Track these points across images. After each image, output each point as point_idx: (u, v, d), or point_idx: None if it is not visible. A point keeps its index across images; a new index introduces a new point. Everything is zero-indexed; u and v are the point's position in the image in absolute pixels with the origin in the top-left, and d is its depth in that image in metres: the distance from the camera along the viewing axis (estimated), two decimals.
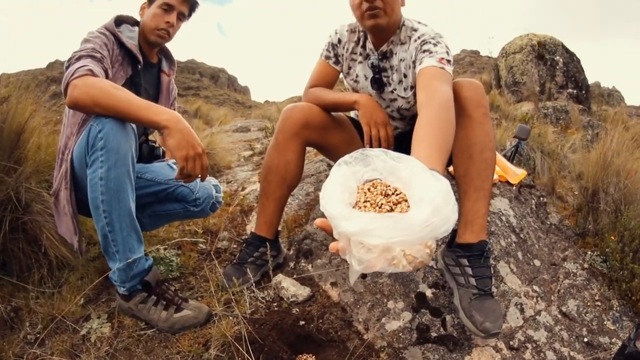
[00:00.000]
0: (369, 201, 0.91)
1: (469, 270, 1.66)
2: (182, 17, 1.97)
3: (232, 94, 37.14)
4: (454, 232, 1.77)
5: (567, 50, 9.51)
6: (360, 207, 0.90)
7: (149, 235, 2.29)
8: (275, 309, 1.79)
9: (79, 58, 1.58)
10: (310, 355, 1.57)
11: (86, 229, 2.06)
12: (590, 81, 10.85)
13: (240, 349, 1.49)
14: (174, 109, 2.18)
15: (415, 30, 1.88)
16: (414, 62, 1.80)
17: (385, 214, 0.85)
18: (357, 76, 2.07)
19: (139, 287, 1.66)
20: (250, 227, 2.49)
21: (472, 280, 1.63)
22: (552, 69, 9.15)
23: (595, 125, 7.91)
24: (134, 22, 1.97)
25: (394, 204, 0.89)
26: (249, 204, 2.81)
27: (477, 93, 1.69)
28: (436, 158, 1.15)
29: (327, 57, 2.10)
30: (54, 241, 1.85)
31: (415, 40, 1.82)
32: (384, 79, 1.99)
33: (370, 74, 2.02)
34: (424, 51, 1.73)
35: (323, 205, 0.88)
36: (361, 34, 2.03)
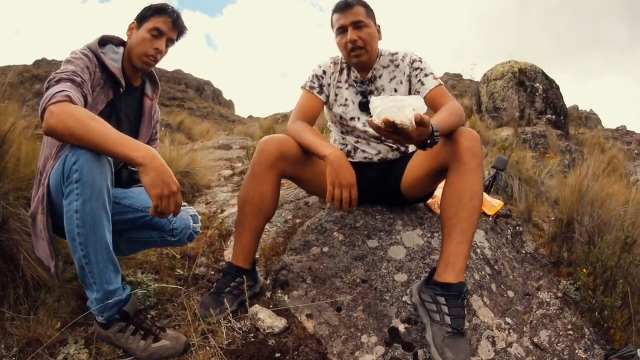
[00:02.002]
0: None
1: (446, 309, 1.70)
2: (170, 43, 1.96)
3: (216, 107, 37.14)
4: (433, 270, 1.85)
5: (547, 78, 9.78)
6: None
7: (126, 258, 2.27)
8: (252, 340, 1.78)
9: (59, 81, 1.57)
10: None
11: (63, 247, 2.03)
12: (569, 104, 11.13)
13: None
14: (157, 132, 2.18)
15: (395, 53, 2.29)
16: (409, 77, 2.23)
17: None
18: (346, 100, 2.30)
19: (117, 316, 1.64)
20: (229, 253, 2.49)
21: (448, 319, 1.68)
22: (532, 95, 9.39)
23: (573, 150, 8.08)
24: (120, 43, 1.95)
25: None
26: (228, 228, 2.80)
27: (475, 144, 1.82)
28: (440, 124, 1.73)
29: (312, 88, 2.28)
30: (31, 261, 1.82)
31: (403, 60, 2.26)
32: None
33: (357, 99, 2.29)
34: (416, 69, 2.21)
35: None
36: (344, 65, 2.32)
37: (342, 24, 2.13)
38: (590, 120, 19.92)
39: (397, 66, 2.27)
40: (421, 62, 2.22)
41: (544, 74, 9.75)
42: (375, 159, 2.33)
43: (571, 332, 2.06)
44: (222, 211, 3.27)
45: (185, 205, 1.96)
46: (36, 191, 1.70)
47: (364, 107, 2.27)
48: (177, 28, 1.95)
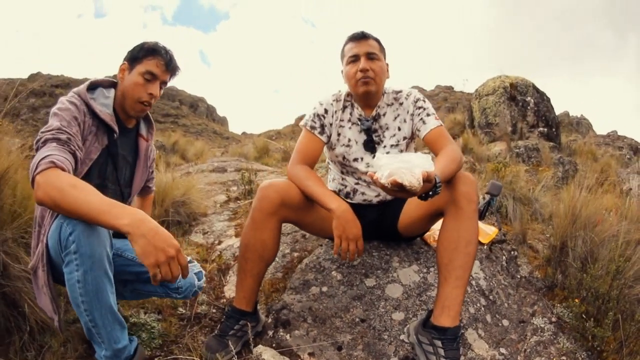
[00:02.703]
0: None
1: (442, 352, 1.77)
2: (163, 85, 1.90)
3: (210, 123, 37.19)
4: (430, 312, 1.90)
5: (537, 91, 9.87)
6: None
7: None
8: None
9: (45, 142, 1.52)
10: None
11: (65, 294, 2.03)
12: (559, 111, 11.23)
13: None
14: (152, 171, 2.15)
15: (399, 91, 2.31)
16: (411, 115, 2.25)
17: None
18: (348, 140, 2.28)
19: None
20: (228, 289, 2.52)
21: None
22: (524, 109, 9.49)
23: (566, 162, 8.15)
24: (110, 84, 1.88)
25: None
26: (226, 261, 2.84)
27: (471, 189, 1.88)
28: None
29: (313, 128, 2.25)
30: (34, 307, 1.82)
31: (407, 98, 2.27)
32: (375, 139, 2.28)
33: (361, 139, 2.28)
34: (419, 107, 2.24)
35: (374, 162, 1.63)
36: (347, 102, 2.31)
37: (356, 52, 2.15)
38: (581, 125, 20.05)
39: (401, 104, 2.29)
40: (424, 101, 2.25)
41: (534, 87, 9.85)
42: (375, 200, 2.33)
43: (564, 358, 2.11)
44: (220, 242, 3.29)
45: (190, 262, 1.93)
46: (35, 243, 1.67)
47: (369, 147, 2.27)
48: (170, 70, 1.89)
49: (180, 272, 1.39)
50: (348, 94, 2.31)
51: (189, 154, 10.69)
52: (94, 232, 1.41)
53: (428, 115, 2.20)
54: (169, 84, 1.96)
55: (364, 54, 2.14)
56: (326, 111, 2.28)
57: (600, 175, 7.40)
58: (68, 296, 1.48)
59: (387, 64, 2.28)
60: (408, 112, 2.26)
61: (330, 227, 1.96)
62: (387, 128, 2.28)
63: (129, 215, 1.35)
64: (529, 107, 9.49)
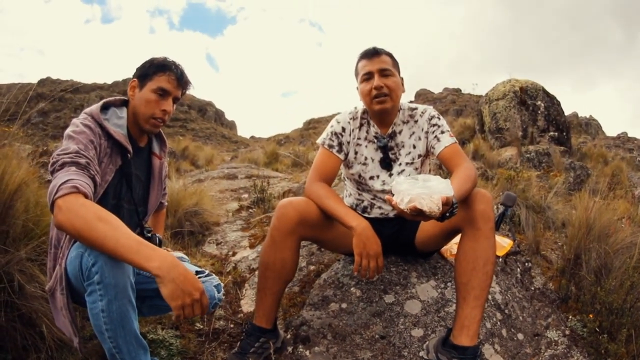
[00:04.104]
0: None
1: None
2: (176, 101, 1.86)
3: (219, 128, 37.42)
4: (449, 331, 1.91)
5: (547, 94, 9.84)
6: None
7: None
8: None
9: (63, 165, 1.49)
10: None
11: (82, 311, 1.96)
12: (569, 112, 11.15)
13: None
14: (165, 187, 2.12)
15: (415, 109, 2.31)
16: (426, 133, 2.25)
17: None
18: (365, 159, 2.28)
19: None
20: (245, 303, 2.55)
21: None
22: (534, 113, 9.46)
23: (577, 167, 8.12)
24: (122, 103, 1.85)
25: None
26: (242, 274, 2.86)
27: (488, 207, 1.90)
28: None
29: (330, 146, 2.24)
30: (51, 327, 1.81)
31: (422, 115, 2.27)
32: (392, 156, 2.28)
33: (377, 156, 2.29)
34: (434, 125, 2.23)
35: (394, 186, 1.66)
36: (364, 120, 2.30)
37: (369, 70, 2.14)
38: (590, 126, 19.93)
39: (416, 121, 2.27)
40: (439, 119, 2.24)
41: (544, 91, 9.82)
42: (391, 214, 2.31)
43: None
44: (234, 253, 3.32)
45: (209, 275, 1.96)
46: (52, 264, 1.64)
47: (385, 165, 2.27)
48: (182, 85, 1.85)
49: (201, 312, 1.41)
50: (364, 111, 2.29)
51: (199, 160, 10.76)
52: (117, 263, 1.40)
53: (442, 132, 2.20)
54: None
55: (377, 70, 2.13)
56: (343, 129, 2.27)
57: (612, 180, 7.37)
58: (86, 313, 1.48)
59: (402, 78, 2.26)
60: (423, 129, 2.26)
61: (349, 243, 1.97)
62: (403, 146, 2.28)
63: (159, 258, 1.35)
64: (539, 112, 9.47)
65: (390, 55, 2.21)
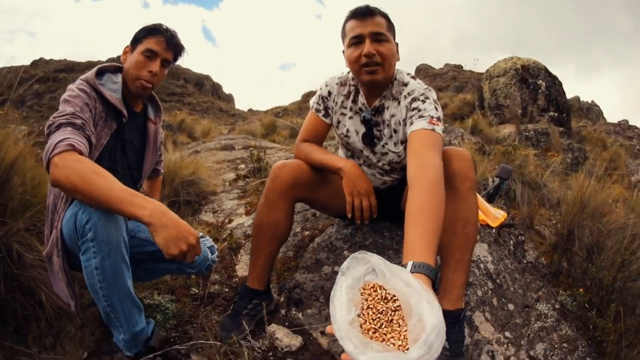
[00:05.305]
0: (371, 308, 1.07)
1: None
2: (166, 63, 1.88)
3: (216, 101, 37.19)
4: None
5: (549, 74, 9.76)
6: (364, 314, 1.06)
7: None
8: (272, 359, 1.88)
9: (59, 126, 1.50)
10: None
11: (80, 278, 2.04)
12: (570, 95, 11.09)
13: None
14: (161, 154, 2.16)
15: (406, 84, 1.96)
16: (404, 120, 1.90)
17: (390, 353, 0.97)
18: (347, 131, 2.09)
19: (143, 349, 1.68)
20: (240, 268, 2.58)
21: (446, 344, 1.73)
22: (535, 92, 9.40)
23: (575, 148, 8.11)
24: (117, 69, 1.87)
25: (392, 311, 1.06)
26: (237, 240, 2.88)
27: (465, 165, 1.78)
28: (429, 250, 1.28)
29: (317, 110, 2.13)
30: (50, 295, 1.84)
31: (406, 97, 1.91)
32: (376, 133, 2.04)
33: (361, 130, 2.06)
34: (414, 109, 1.83)
35: (335, 329, 1.00)
36: (352, 87, 2.06)
37: (359, 32, 1.83)
38: (591, 111, 19.87)
39: (399, 103, 1.96)
40: (423, 101, 1.85)
41: (546, 71, 9.73)
42: (382, 187, 2.20)
43: (565, 345, 2.15)
44: (230, 221, 3.33)
45: (202, 237, 1.94)
46: (49, 230, 1.66)
47: (368, 141, 2.05)
48: (172, 47, 1.86)
49: (195, 257, 1.44)
50: (354, 77, 2.04)
51: (196, 132, 10.71)
52: (110, 219, 1.43)
53: (421, 117, 1.79)
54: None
55: (369, 34, 1.82)
56: (329, 93, 2.09)
57: (609, 165, 7.36)
58: (84, 281, 1.50)
59: (397, 44, 1.95)
60: (402, 114, 1.94)
61: (342, 203, 1.95)
62: (387, 125, 2.02)
63: (151, 206, 1.36)
64: (540, 91, 9.40)
65: (385, 16, 1.90)
